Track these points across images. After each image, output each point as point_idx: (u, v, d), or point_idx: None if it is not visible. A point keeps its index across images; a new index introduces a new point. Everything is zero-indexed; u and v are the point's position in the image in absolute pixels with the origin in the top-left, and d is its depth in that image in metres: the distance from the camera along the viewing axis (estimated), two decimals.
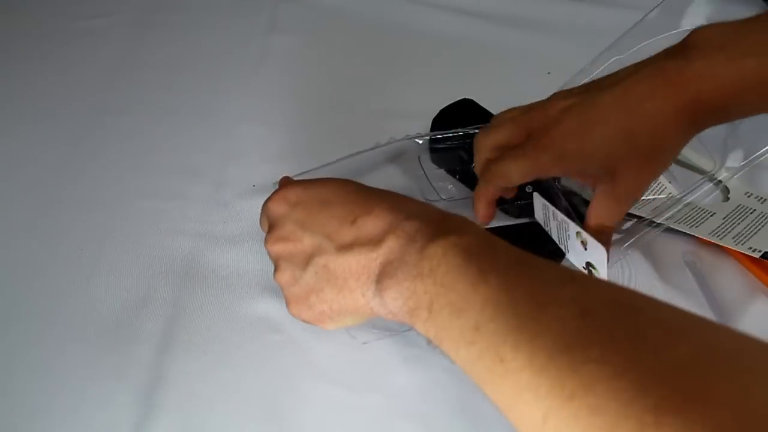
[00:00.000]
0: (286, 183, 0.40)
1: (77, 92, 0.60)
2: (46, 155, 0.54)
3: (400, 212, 0.33)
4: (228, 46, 0.65)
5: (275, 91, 0.60)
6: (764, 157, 0.49)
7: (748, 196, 0.50)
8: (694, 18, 0.52)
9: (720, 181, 0.51)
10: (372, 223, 0.33)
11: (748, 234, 0.47)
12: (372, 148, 0.51)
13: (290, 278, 0.36)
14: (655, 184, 0.50)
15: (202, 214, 0.50)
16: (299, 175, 0.44)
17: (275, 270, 0.37)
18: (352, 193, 0.36)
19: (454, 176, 0.52)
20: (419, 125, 0.55)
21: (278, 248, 0.37)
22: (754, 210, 0.49)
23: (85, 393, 0.40)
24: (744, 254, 0.46)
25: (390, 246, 0.32)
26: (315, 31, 0.67)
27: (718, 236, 0.47)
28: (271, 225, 0.38)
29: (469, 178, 0.51)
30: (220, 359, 0.42)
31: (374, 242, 0.33)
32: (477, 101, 0.55)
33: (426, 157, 0.53)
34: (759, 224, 0.48)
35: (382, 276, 0.32)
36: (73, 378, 0.41)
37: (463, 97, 0.55)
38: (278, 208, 0.37)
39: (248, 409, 0.39)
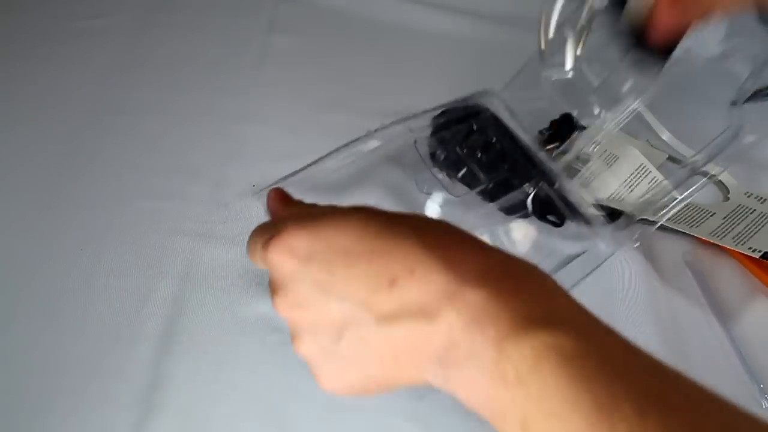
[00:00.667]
0: (285, 228, 0.28)
1: (76, 92, 0.60)
2: (45, 155, 0.54)
3: (451, 271, 0.25)
4: (228, 46, 0.65)
5: (275, 91, 0.60)
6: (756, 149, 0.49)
7: (748, 196, 0.50)
8: None
9: (713, 175, 0.50)
10: (417, 289, 0.25)
11: (748, 234, 0.47)
12: (365, 136, 0.49)
13: (318, 352, 0.29)
14: (650, 178, 0.49)
15: (202, 214, 0.50)
16: (289, 176, 0.41)
17: (293, 338, 0.30)
18: (378, 237, 0.27)
19: (456, 169, 0.51)
20: (419, 125, 0.55)
21: (296, 316, 0.29)
22: (754, 210, 0.49)
23: (85, 393, 0.40)
24: (744, 254, 0.46)
25: (450, 323, 0.24)
26: (315, 31, 0.67)
27: (718, 236, 0.47)
28: (278, 284, 0.29)
29: (470, 174, 0.51)
30: (220, 359, 0.42)
31: (426, 314, 0.25)
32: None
33: (425, 151, 0.51)
34: (759, 224, 0.48)
35: (448, 364, 0.25)
36: (73, 378, 0.40)
37: (463, 97, 0.55)
38: (286, 265, 0.28)
39: (248, 409, 0.39)
